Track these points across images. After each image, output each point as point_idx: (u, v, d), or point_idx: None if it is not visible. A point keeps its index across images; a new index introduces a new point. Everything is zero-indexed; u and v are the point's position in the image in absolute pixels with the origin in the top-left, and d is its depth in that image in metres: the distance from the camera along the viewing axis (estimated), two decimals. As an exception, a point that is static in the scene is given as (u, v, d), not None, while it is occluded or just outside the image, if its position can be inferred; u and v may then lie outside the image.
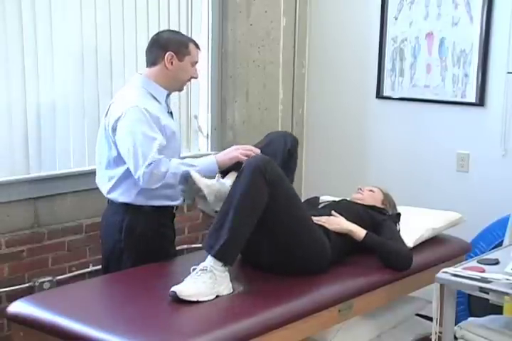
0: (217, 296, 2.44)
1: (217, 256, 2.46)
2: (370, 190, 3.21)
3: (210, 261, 2.47)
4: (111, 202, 2.83)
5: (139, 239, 2.79)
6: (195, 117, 4.00)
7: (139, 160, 2.64)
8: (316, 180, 4.43)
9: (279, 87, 4.29)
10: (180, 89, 2.98)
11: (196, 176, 2.61)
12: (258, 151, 2.76)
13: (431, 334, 2.71)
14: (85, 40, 3.34)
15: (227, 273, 2.49)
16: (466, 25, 3.74)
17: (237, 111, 4.08)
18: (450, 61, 3.83)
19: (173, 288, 2.38)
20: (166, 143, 2.71)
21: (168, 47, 2.80)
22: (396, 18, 4.00)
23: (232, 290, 2.49)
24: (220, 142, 4.04)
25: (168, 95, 2.89)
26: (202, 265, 2.47)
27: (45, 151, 3.26)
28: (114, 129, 2.71)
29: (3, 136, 3.12)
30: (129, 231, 2.78)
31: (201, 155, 2.97)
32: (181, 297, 2.36)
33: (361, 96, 4.21)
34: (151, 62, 2.84)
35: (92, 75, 3.39)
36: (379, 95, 4.13)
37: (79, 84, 3.35)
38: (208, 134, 4.04)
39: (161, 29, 3.58)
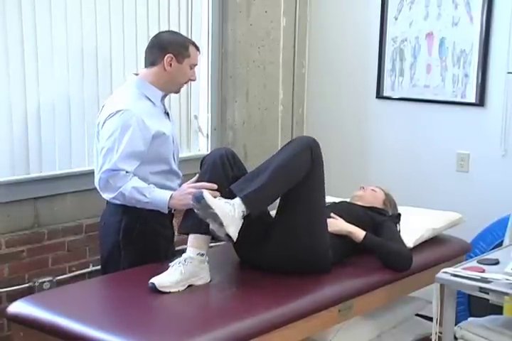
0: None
1: (245, 201, 2.49)
2: (373, 190, 3.21)
3: (236, 203, 2.47)
4: (109, 203, 2.83)
5: (137, 240, 2.79)
6: (195, 117, 4.00)
7: (105, 164, 2.69)
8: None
9: (279, 87, 4.29)
10: (176, 91, 2.96)
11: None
12: (215, 186, 2.64)
13: (431, 335, 2.71)
14: (85, 40, 3.34)
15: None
16: (466, 26, 3.75)
17: (237, 111, 4.08)
18: (450, 61, 3.83)
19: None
20: (144, 148, 2.70)
21: (168, 49, 2.78)
22: (396, 18, 4.00)
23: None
24: (220, 142, 4.04)
25: (164, 96, 2.88)
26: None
27: (45, 151, 3.26)
28: (101, 128, 2.76)
29: (4, 136, 3.12)
30: (126, 231, 2.78)
31: (201, 156, 2.98)
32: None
33: (361, 96, 4.21)
34: (150, 62, 2.83)
35: (92, 75, 3.39)
36: (379, 95, 4.13)
37: (79, 84, 3.35)
38: (208, 134, 4.04)
39: (161, 29, 3.58)
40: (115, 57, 3.47)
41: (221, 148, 2.90)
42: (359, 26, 4.17)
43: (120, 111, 2.69)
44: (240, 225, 2.50)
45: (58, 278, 3.29)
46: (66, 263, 3.33)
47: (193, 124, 3.98)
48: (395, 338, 3.09)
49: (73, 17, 3.28)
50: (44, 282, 3.22)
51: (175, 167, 2.92)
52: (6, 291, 3.13)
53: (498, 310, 3.11)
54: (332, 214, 2.90)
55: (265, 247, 2.68)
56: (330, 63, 4.32)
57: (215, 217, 2.43)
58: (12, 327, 2.46)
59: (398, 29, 4.00)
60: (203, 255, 2.57)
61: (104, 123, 2.73)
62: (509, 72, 3.64)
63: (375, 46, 4.10)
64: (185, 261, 2.55)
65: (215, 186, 2.62)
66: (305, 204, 2.67)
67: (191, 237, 2.64)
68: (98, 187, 2.75)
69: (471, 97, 3.78)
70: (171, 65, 2.78)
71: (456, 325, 2.75)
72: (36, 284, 3.20)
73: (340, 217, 2.89)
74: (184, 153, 3.88)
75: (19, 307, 2.40)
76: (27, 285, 3.20)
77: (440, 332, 2.71)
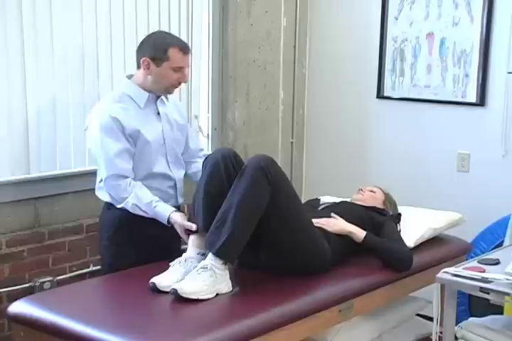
0: (217, 294, 2.44)
1: (218, 254, 2.47)
2: (371, 191, 3.21)
3: (210, 258, 2.47)
4: (104, 202, 2.89)
5: (122, 237, 2.83)
6: (196, 117, 3.99)
7: (102, 170, 2.77)
8: (316, 180, 4.43)
9: (280, 87, 4.29)
10: (167, 93, 2.91)
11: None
12: (193, 227, 2.66)
13: (431, 335, 2.71)
14: (85, 40, 3.33)
15: (227, 271, 2.50)
16: (467, 26, 3.74)
17: (237, 111, 4.08)
18: (450, 61, 3.83)
19: (174, 286, 2.39)
20: (132, 148, 2.77)
21: (144, 53, 2.79)
22: (396, 18, 4.00)
23: (231, 289, 2.50)
24: (220, 142, 4.04)
25: (158, 97, 2.88)
26: (203, 263, 2.48)
27: (45, 151, 3.26)
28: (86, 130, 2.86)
29: (4, 136, 3.12)
30: (117, 228, 2.84)
31: (202, 155, 2.98)
32: (182, 294, 2.37)
33: (362, 96, 4.21)
34: (137, 65, 2.86)
35: (93, 75, 3.39)
36: (379, 95, 4.13)
37: (79, 84, 3.34)
38: (208, 134, 4.04)
39: (164, 29, 3.59)
40: (115, 57, 3.46)
41: (223, 149, 2.90)
42: (359, 26, 4.17)
43: (98, 114, 2.77)
44: (228, 274, 2.49)
45: (59, 278, 3.29)
46: (66, 263, 3.33)
47: (193, 124, 3.98)
48: (395, 338, 3.08)
49: (75, 17, 3.28)
50: (44, 282, 3.22)
51: (163, 169, 2.89)
52: (7, 291, 3.13)
53: (498, 310, 3.11)
54: (332, 214, 2.90)
55: (260, 251, 2.67)
56: (330, 63, 4.32)
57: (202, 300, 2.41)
58: (12, 327, 2.47)
59: (399, 29, 4.00)
60: (203, 254, 2.56)
61: (86, 129, 2.85)
62: (509, 72, 3.63)
63: (375, 46, 4.10)
64: (185, 260, 2.55)
65: (194, 227, 2.65)
66: (282, 224, 2.62)
67: (192, 237, 2.64)
68: (105, 187, 2.81)
69: (472, 97, 3.78)
70: (148, 68, 2.78)
71: (456, 324, 2.75)
72: (37, 284, 3.20)
73: (341, 217, 2.89)
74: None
75: (20, 307, 2.40)
76: (27, 285, 3.20)
77: (441, 332, 2.71)
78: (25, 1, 3.10)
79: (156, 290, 2.44)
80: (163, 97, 2.93)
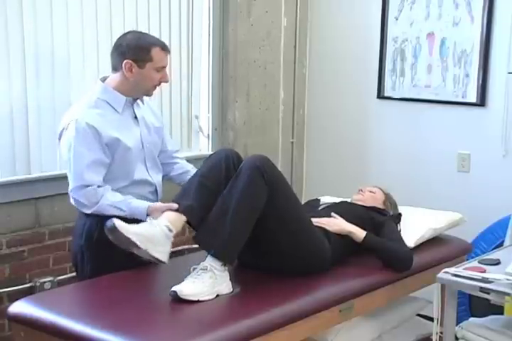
0: (217, 295, 2.44)
1: (217, 256, 2.46)
2: (371, 191, 3.21)
3: (209, 260, 2.47)
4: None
5: (97, 245, 2.69)
6: (196, 117, 4.00)
7: (71, 181, 2.63)
8: (316, 180, 4.43)
9: (280, 87, 4.29)
10: (147, 95, 2.78)
11: (122, 225, 2.39)
12: (174, 206, 2.56)
13: (432, 335, 2.71)
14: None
15: (227, 273, 2.49)
16: (467, 26, 3.74)
17: (237, 111, 4.08)
18: (451, 61, 3.83)
19: (174, 288, 2.38)
20: (106, 158, 2.63)
21: (126, 55, 2.62)
22: (397, 19, 4.00)
23: (232, 290, 2.49)
24: (220, 142, 4.04)
25: (135, 100, 2.75)
26: (202, 264, 2.47)
27: (46, 151, 3.26)
28: (59, 139, 2.69)
29: (4, 136, 3.13)
30: (88, 236, 2.71)
31: (202, 156, 2.97)
32: (182, 296, 2.36)
33: (362, 97, 4.21)
34: (113, 67, 2.69)
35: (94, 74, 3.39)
36: (380, 95, 4.13)
37: (80, 84, 3.35)
38: (208, 134, 4.04)
39: (162, 30, 3.59)
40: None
41: (228, 149, 2.84)
42: (360, 26, 4.17)
43: (72, 121, 2.61)
44: (228, 275, 2.48)
45: (59, 278, 3.29)
46: (67, 263, 3.32)
47: (193, 124, 3.98)
48: (395, 338, 3.08)
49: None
50: (45, 282, 3.22)
51: (143, 176, 2.78)
52: (7, 291, 3.13)
53: (498, 310, 3.11)
54: (333, 214, 2.90)
55: (260, 252, 2.67)
56: (331, 63, 4.32)
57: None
58: (13, 327, 2.46)
59: (399, 29, 4.00)
60: (170, 231, 2.47)
61: (60, 136, 2.67)
62: (510, 72, 3.63)
63: (376, 46, 4.10)
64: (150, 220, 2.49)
65: (175, 205, 2.55)
66: (281, 223, 2.61)
67: (169, 212, 2.55)
68: (72, 200, 2.68)
69: (472, 97, 3.78)
70: (131, 70, 2.63)
71: (457, 325, 2.75)
72: (37, 284, 3.21)
73: (341, 216, 2.89)
74: (185, 153, 3.87)
75: (20, 308, 2.40)
76: (28, 285, 3.21)
77: (441, 332, 2.70)
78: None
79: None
80: (138, 101, 2.78)
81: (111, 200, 2.61)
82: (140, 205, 2.63)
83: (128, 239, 2.39)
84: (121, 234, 2.39)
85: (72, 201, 2.71)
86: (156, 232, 2.44)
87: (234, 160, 2.67)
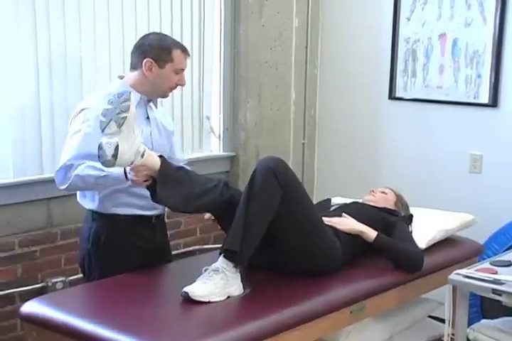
0: (228, 297, 2.44)
1: (229, 257, 2.47)
2: (383, 192, 3.20)
3: (221, 261, 2.47)
4: (86, 210, 2.77)
5: (105, 248, 2.70)
6: (208, 118, 4.00)
7: (61, 159, 2.61)
8: (327, 181, 4.43)
9: (291, 88, 4.29)
10: (163, 96, 2.80)
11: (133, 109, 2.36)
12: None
13: (443, 336, 2.71)
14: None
15: (238, 274, 2.49)
16: (479, 26, 3.73)
17: (249, 112, 4.08)
18: (463, 62, 3.81)
19: (185, 289, 2.39)
20: None
21: (147, 53, 2.64)
22: (409, 19, 3.99)
23: (243, 291, 2.49)
24: (232, 143, 4.05)
25: (149, 101, 2.76)
26: (214, 266, 2.47)
27: (59, 152, 3.25)
28: (70, 125, 2.69)
29: (17, 137, 3.14)
30: (95, 239, 2.71)
31: (213, 156, 2.97)
32: (193, 297, 2.37)
33: (373, 97, 4.20)
34: (132, 66, 2.71)
35: (106, 76, 3.41)
36: (391, 96, 4.12)
37: (92, 84, 3.36)
38: (220, 135, 4.05)
39: (175, 31, 3.60)
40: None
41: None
42: (371, 27, 4.16)
43: (83, 109, 2.62)
44: (240, 276, 2.48)
45: (71, 278, 3.30)
46: (78, 263, 3.35)
47: (205, 125, 3.99)
48: (406, 340, 3.08)
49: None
50: (57, 282, 3.24)
51: None
52: (19, 291, 3.14)
53: (510, 311, 3.09)
54: (344, 214, 2.90)
55: (272, 252, 2.66)
56: (342, 64, 4.31)
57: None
58: (25, 327, 2.47)
59: (411, 30, 3.99)
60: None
61: (70, 123, 2.67)
62: (522, 73, 3.63)
63: (387, 47, 4.09)
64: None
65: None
66: (294, 224, 2.61)
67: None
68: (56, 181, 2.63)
69: (484, 98, 3.76)
70: (151, 69, 2.65)
71: (468, 326, 2.75)
72: (49, 284, 3.22)
73: (352, 217, 2.89)
74: (196, 154, 3.89)
75: (32, 307, 2.41)
76: (40, 285, 3.22)
77: (452, 334, 2.70)
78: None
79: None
80: (151, 104, 2.78)
81: (87, 170, 2.53)
82: (118, 169, 2.51)
83: (122, 116, 2.33)
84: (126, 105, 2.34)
85: (82, 202, 2.73)
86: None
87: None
